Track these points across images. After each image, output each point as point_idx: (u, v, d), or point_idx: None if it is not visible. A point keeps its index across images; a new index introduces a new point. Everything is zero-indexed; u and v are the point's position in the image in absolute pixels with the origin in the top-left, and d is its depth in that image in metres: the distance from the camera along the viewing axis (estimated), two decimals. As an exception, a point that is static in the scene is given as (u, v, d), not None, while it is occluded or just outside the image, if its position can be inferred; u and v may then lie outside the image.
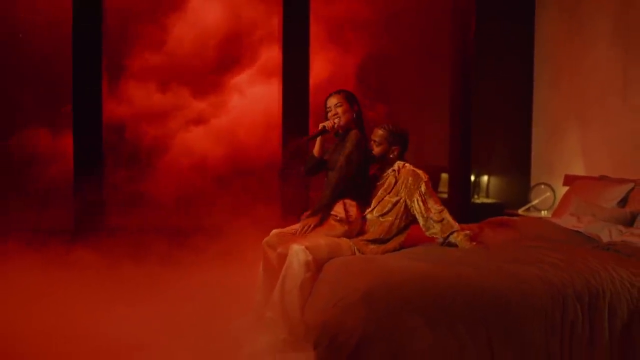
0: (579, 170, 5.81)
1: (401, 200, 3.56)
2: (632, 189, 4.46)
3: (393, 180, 3.63)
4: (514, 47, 6.56)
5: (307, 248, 3.26)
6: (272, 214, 5.60)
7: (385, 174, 3.67)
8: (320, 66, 6.27)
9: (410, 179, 3.55)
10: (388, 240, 3.53)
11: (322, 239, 3.39)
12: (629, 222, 4.07)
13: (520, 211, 5.92)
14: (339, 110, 3.67)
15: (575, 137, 5.86)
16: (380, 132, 3.62)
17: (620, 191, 4.48)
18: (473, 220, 4.60)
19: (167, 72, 6.03)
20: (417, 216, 3.55)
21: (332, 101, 3.70)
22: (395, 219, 3.56)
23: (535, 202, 5.98)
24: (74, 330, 3.64)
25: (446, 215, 3.54)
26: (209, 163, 6.09)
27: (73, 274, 4.64)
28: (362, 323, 2.57)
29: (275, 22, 6.21)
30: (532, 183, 6.43)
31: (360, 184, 3.64)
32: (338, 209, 3.56)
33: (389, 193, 3.60)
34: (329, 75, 6.28)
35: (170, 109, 6.03)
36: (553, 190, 6.02)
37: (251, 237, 4.91)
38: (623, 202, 4.44)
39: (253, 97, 6.25)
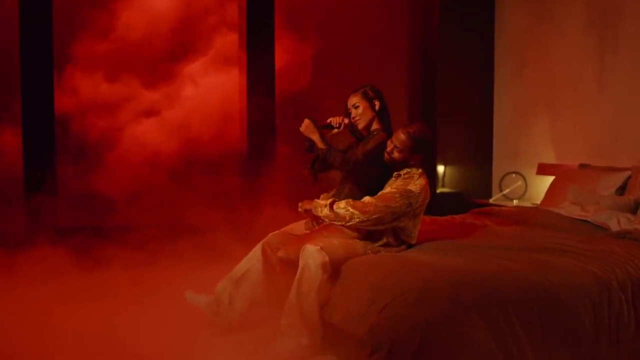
0: (549, 158, 5.82)
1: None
2: (630, 176, 4.51)
3: (392, 183, 3.42)
4: (475, 34, 6.57)
5: (322, 248, 3.16)
6: (233, 210, 5.54)
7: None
8: (276, 55, 6.15)
9: (404, 180, 3.36)
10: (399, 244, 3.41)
11: (335, 239, 3.29)
12: (633, 210, 4.14)
13: (491, 201, 6.00)
14: (358, 111, 3.56)
15: (545, 125, 5.89)
16: (402, 137, 3.37)
17: (617, 179, 4.53)
18: (437, 212, 4.54)
19: (116, 61, 5.87)
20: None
21: (350, 102, 3.61)
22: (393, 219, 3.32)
23: (506, 191, 6.07)
24: (20, 341, 3.50)
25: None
26: (162, 157, 5.97)
27: (20, 280, 4.54)
28: (420, 326, 2.49)
29: (229, 8, 6.13)
30: (495, 172, 6.45)
31: (372, 187, 3.48)
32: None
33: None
34: (285, 64, 6.24)
35: (120, 100, 5.85)
36: (524, 179, 6.07)
37: (215, 236, 4.96)
38: (621, 190, 4.48)
39: (208, 87, 6.10)
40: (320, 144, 3.49)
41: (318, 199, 3.55)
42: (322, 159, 3.46)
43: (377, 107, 3.58)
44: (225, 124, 6.11)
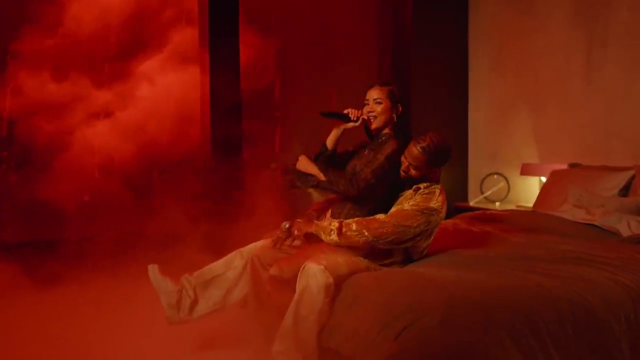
0: (531, 158, 5.65)
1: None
2: (634, 176, 4.32)
3: (409, 197, 3.15)
4: (448, 27, 6.35)
5: (326, 268, 2.85)
6: (198, 219, 5.27)
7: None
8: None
9: (423, 197, 3.08)
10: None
11: (339, 256, 2.99)
12: None
13: (472, 203, 5.81)
14: (377, 108, 3.25)
15: (527, 123, 5.70)
16: (416, 152, 3.05)
17: (619, 179, 4.34)
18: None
19: (64, 58, 5.51)
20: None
21: (372, 94, 3.28)
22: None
23: (488, 193, 5.88)
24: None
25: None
26: (116, 163, 5.67)
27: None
28: (450, 353, 2.23)
29: (187, 1, 5.83)
30: (473, 173, 6.24)
31: (378, 207, 3.20)
32: None
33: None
34: (247, 61, 6.00)
35: (69, 101, 5.48)
36: (507, 180, 5.89)
37: (180, 247, 4.73)
38: (624, 190, 4.30)
39: (165, 87, 5.80)
40: (320, 176, 3.21)
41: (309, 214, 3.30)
42: (322, 189, 3.22)
43: (399, 112, 3.32)
44: (186, 126, 5.83)
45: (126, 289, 4.46)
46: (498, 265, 2.86)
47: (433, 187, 3.16)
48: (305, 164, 3.28)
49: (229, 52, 5.51)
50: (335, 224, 2.99)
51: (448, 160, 3.19)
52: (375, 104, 3.27)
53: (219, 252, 4.84)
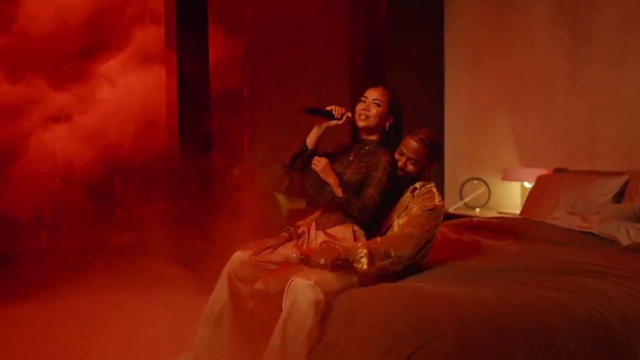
0: (512, 162, 5.54)
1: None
2: (628, 181, 4.19)
3: (407, 202, 3.02)
4: (423, 26, 6.17)
5: (316, 283, 2.62)
6: (165, 228, 5.05)
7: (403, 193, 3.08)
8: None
9: (424, 197, 2.97)
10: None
11: (329, 272, 2.74)
12: (639, 219, 3.83)
13: (451, 210, 5.65)
14: (374, 109, 3.03)
15: (508, 126, 5.58)
16: (415, 145, 2.98)
17: (613, 184, 4.21)
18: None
19: (18, 57, 5.28)
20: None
21: (373, 94, 3.05)
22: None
23: (468, 199, 5.69)
24: None
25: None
26: (76, 169, 5.45)
27: None
28: None
29: (150, -1, 5.65)
30: (449, 178, 6.06)
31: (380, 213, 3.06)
32: (345, 240, 2.94)
33: (398, 217, 3.02)
34: (214, 60, 5.81)
35: (24, 103, 5.29)
36: (487, 186, 5.72)
37: (145, 259, 4.46)
38: (618, 196, 4.18)
39: (128, 88, 5.63)
40: (337, 190, 2.95)
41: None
42: (336, 204, 2.96)
43: (391, 122, 3.09)
44: (150, 129, 5.62)
45: (89, 304, 4.19)
46: (503, 279, 2.69)
47: (428, 185, 3.03)
48: (326, 171, 3.00)
49: (197, 52, 5.29)
50: (364, 250, 2.74)
51: (441, 154, 3.11)
52: (373, 105, 3.03)
53: (189, 262, 4.67)
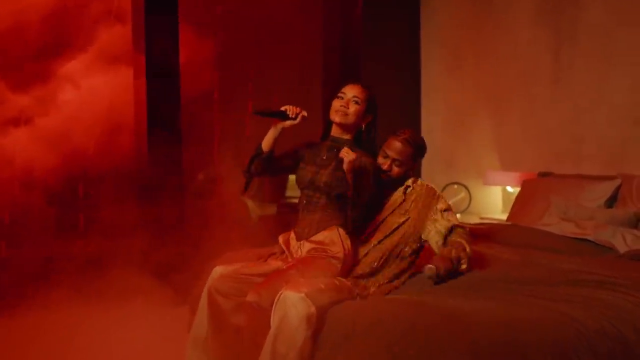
0: (493, 166, 5.44)
1: (409, 221, 2.94)
2: (620, 185, 4.13)
3: (400, 200, 3.00)
4: (398, 28, 6.10)
5: (307, 295, 2.49)
6: (133, 237, 4.86)
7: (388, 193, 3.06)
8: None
9: (424, 195, 2.97)
10: (380, 271, 2.88)
11: (320, 281, 2.63)
12: (635, 224, 3.76)
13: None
14: (353, 107, 2.92)
15: (488, 129, 5.49)
16: (400, 146, 2.95)
17: (605, 189, 4.14)
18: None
19: (-26, 57, 5.04)
20: (434, 237, 2.93)
21: (352, 91, 2.95)
22: (401, 243, 2.91)
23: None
24: None
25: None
26: (36, 175, 5.20)
27: None
28: None
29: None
30: (425, 181, 5.96)
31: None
32: (333, 244, 2.84)
33: (391, 213, 2.97)
34: (183, 61, 5.64)
35: None
36: (468, 191, 5.62)
37: (114, 270, 4.33)
38: (610, 201, 4.12)
39: (92, 90, 5.42)
40: (351, 189, 2.83)
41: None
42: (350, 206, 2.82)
43: (368, 121, 2.99)
44: (117, 133, 5.42)
45: (55, 319, 4.03)
46: (508, 291, 2.56)
47: (420, 181, 3.05)
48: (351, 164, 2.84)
49: (168, 52, 5.10)
50: (463, 253, 2.83)
51: (425, 153, 3.09)
52: (352, 102, 2.92)
53: (162, 272, 4.48)
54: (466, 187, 5.58)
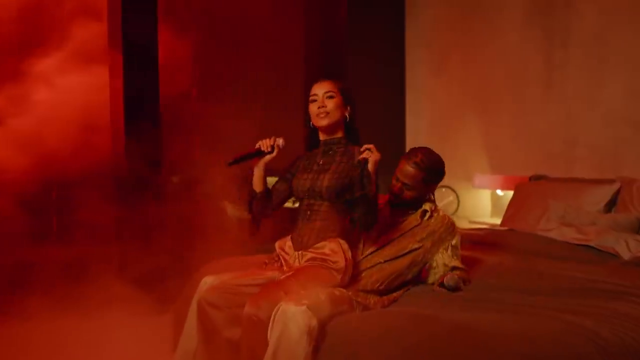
0: (481, 170, 5.36)
1: (421, 250, 2.84)
2: (619, 189, 4.04)
3: (414, 223, 2.89)
4: (383, 29, 6.00)
5: (308, 308, 2.35)
6: (111, 245, 4.70)
7: (403, 212, 2.94)
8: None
9: (442, 229, 2.87)
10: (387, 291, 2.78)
11: (320, 292, 2.50)
12: (636, 229, 3.68)
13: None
14: (330, 103, 2.79)
15: (477, 132, 5.39)
16: (410, 170, 2.84)
17: (603, 193, 4.05)
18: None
19: (-59, 55, 4.85)
20: (435, 268, 2.86)
21: (322, 87, 2.82)
22: (407, 268, 2.82)
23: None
24: None
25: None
26: (8, 177, 4.99)
27: None
28: None
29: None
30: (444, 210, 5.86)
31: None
32: (335, 254, 2.70)
33: (402, 235, 2.86)
34: (161, 61, 5.48)
35: None
36: (456, 194, 5.53)
37: (92, 278, 4.19)
38: (609, 205, 4.04)
39: (66, 90, 5.22)
40: (374, 188, 2.68)
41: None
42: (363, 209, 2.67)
43: (350, 110, 2.86)
44: (93, 134, 5.25)
45: (26, 327, 3.92)
46: (518, 302, 2.46)
47: (442, 212, 2.94)
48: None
49: (146, 51, 4.95)
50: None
51: (443, 176, 2.96)
52: (326, 99, 2.80)
53: (141, 280, 4.32)
54: (454, 191, 5.49)
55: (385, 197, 3.07)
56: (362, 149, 2.69)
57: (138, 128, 4.94)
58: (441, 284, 2.71)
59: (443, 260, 2.84)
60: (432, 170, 2.86)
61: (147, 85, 4.96)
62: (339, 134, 2.87)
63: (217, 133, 5.83)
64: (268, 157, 2.81)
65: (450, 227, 2.90)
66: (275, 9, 6.14)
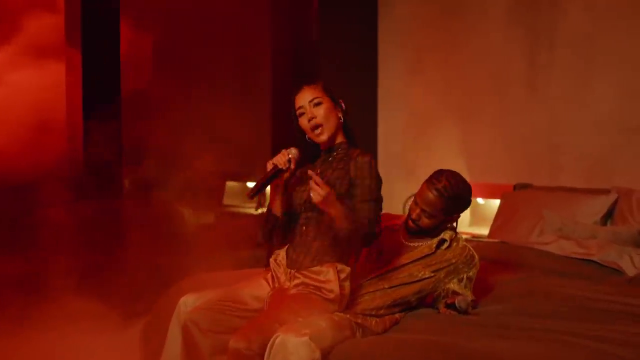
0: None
1: (432, 279, 2.62)
2: (616, 200, 3.87)
3: (427, 251, 2.64)
4: (355, 28, 5.85)
5: (310, 339, 2.12)
6: (66, 254, 4.42)
7: (416, 238, 2.72)
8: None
9: (460, 260, 2.63)
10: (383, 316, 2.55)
11: (320, 319, 2.28)
12: (638, 243, 3.51)
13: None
14: (320, 110, 2.51)
15: (455, 137, 5.20)
16: (431, 197, 2.58)
17: (600, 204, 3.88)
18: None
19: None
20: (444, 295, 2.63)
21: (306, 97, 2.52)
22: (412, 295, 2.61)
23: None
24: None
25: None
26: None
27: None
28: None
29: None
30: (387, 193, 5.70)
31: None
32: (329, 282, 2.42)
33: (412, 262, 2.63)
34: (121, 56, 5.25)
35: None
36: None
37: (34, 292, 3.93)
38: (606, 217, 3.87)
39: (16, 87, 4.94)
40: (342, 223, 2.35)
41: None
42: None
43: (344, 108, 2.61)
44: (45, 135, 4.98)
45: None
46: (534, 328, 2.24)
47: (462, 242, 2.70)
48: (329, 202, 2.35)
49: (106, 47, 4.70)
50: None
51: (468, 205, 2.69)
52: (314, 108, 2.52)
53: (103, 294, 4.05)
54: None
55: (402, 218, 2.85)
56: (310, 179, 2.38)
57: (97, 127, 4.68)
58: (449, 306, 2.51)
59: (454, 288, 2.63)
60: (456, 199, 2.60)
61: (108, 83, 4.71)
62: (339, 139, 2.62)
63: (181, 131, 5.61)
64: (286, 175, 2.51)
65: (469, 259, 2.66)
66: (240, 9, 5.95)
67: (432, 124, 5.41)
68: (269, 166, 2.46)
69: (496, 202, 4.66)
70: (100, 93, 4.68)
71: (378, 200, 2.48)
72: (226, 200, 6.45)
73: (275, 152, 2.64)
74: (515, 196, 4.43)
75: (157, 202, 5.19)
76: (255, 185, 2.41)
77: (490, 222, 4.46)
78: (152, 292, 3.69)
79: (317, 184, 2.31)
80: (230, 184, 6.50)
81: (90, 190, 4.60)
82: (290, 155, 2.47)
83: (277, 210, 2.54)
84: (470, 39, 5.14)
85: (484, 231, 4.47)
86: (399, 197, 5.44)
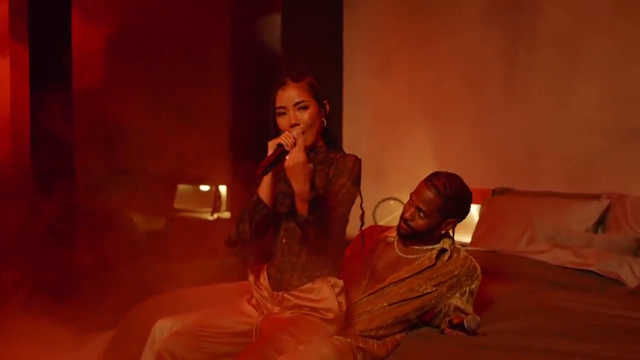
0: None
1: (433, 294, 2.40)
2: (609, 206, 3.72)
3: (427, 263, 2.43)
4: (319, 32, 5.67)
5: None
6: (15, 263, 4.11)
7: (413, 251, 2.51)
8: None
9: (462, 272, 2.42)
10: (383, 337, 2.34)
11: (323, 346, 2.05)
12: (635, 252, 3.41)
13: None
14: (304, 116, 2.19)
15: (426, 139, 5.02)
16: (429, 195, 2.42)
17: (592, 210, 3.72)
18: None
19: None
20: (444, 311, 2.45)
21: (291, 98, 2.20)
22: (413, 312, 2.39)
23: (383, 222, 5.10)
24: None
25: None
26: None
27: None
28: None
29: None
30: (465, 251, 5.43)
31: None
32: (325, 300, 2.17)
33: (411, 276, 2.42)
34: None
35: None
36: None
37: None
38: (598, 224, 3.72)
39: None
40: (302, 206, 2.08)
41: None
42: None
43: (327, 111, 2.31)
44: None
45: None
46: (556, 350, 2.03)
47: (464, 253, 2.50)
48: (300, 172, 2.06)
49: (56, 41, 4.41)
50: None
51: (467, 211, 2.52)
52: (299, 111, 2.20)
53: (52, 308, 3.74)
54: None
55: (393, 229, 2.62)
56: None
57: (45, 129, 4.39)
58: (456, 326, 2.30)
59: (456, 303, 2.43)
60: (454, 199, 2.41)
61: (58, 79, 4.42)
62: (319, 143, 2.33)
63: (133, 131, 5.34)
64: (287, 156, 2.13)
65: (472, 272, 2.46)
66: (201, 5, 5.69)
67: (401, 127, 5.23)
68: (272, 146, 2.11)
69: (474, 208, 4.48)
70: (50, 91, 4.39)
71: (346, 203, 2.27)
72: (177, 204, 6.19)
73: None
74: (496, 201, 4.25)
75: (108, 207, 4.89)
76: (264, 165, 2.07)
77: (471, 229, 4.27)
78: (111, 305, 3.46)
79: (298, 147, 2.06)
80: (182, 187, 6.24)
81: (38, 194, 4.30)
82: (292, 134, 2.14)
83: (267, 196, 2.21)
84: (442, 38, 4.97)
85: (466, 239, 4.25)
86: (366, 200, 5.22)
